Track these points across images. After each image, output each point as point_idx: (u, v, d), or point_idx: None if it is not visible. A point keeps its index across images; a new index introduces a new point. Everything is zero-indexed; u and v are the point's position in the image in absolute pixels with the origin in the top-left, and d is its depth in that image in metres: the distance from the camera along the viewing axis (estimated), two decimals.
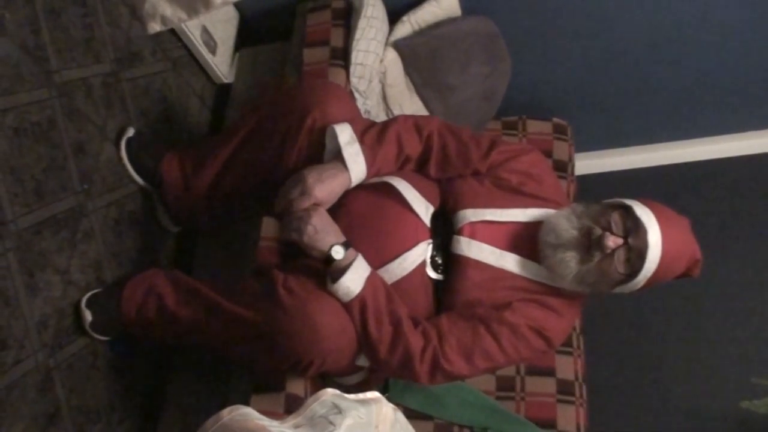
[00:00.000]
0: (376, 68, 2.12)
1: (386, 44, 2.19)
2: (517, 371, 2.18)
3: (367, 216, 1.68)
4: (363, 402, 1.22)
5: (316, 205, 1.62)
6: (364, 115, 2.01)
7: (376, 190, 1.70)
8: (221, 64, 2.35)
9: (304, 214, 1.60)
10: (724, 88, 2.61)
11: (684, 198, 2.73)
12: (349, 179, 1.64)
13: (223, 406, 1.14)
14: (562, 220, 1.63)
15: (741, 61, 2.49)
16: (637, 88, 2.62)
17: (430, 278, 1.68)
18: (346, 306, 1.56)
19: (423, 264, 1.66)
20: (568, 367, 2.19)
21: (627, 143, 2.92)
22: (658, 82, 2.59)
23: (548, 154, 2.47)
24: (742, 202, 2.79)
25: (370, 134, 1.68)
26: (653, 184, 2.83)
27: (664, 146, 2.90)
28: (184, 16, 1.85)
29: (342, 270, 1.55)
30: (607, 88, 2.62)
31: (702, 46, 2.43)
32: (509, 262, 1.67)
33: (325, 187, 1.62)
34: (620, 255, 1.57)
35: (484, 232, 1.68)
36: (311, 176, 1.62)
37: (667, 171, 2.87)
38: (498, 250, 1.67)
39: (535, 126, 2.56)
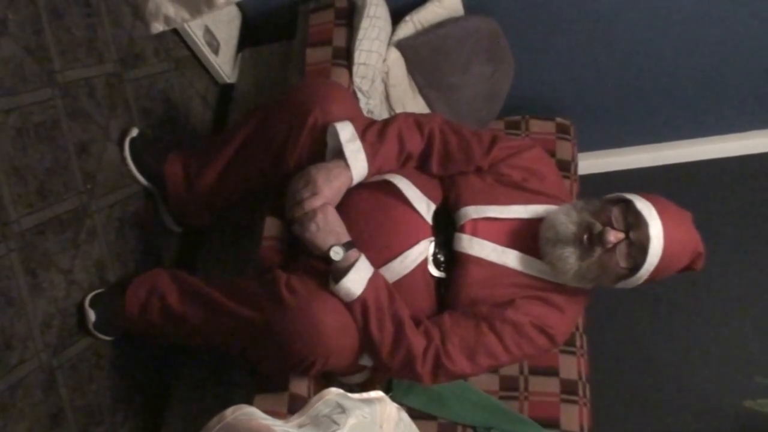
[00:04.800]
0: (379, 68, 2.12)
1: (389, 44, 2.19)
2: (521, 371, 2.18)
3: (368, 214, 1.68)
4: (367, 401, 1.21)
5: (326, 204, 1.62)
6: (367, 115, 2.01)
7: (377, 188, 1.70)
8: (224, 64, 2.36)
9: (311, 211, 1.60)
10: (726, 88, 2.60)
11: (687, 197, 2.68)
12: (351, 177, 1.65)
13: (227, 405, 1.13)
14: (561, 216, 1.63)
15: (743, 60, 2.49)
16: (640, 88, 2.62)
17: (432, 276, 1.68)
18: (348, 307, 1.56)
19: (425, 262, 1.66)
20: (571, 366, 2.19)
21: (630, 143, 2.91)
22: (661, 82, 2.59)
23: (551, 153, 2.47)
24: (745, 201, 2.78)
25: (372, 132, 1.68)
26: (656, 184, 2.83)
27: (667, 146, 2.90)
28: (187, 16, 1.85)
29: (344, 271, 1.55)
30: (610, 87, 2.62)
31: (704, 45, 2.43)
32: (511, 258, 1.67)
33: (333, 186, 1.62)
34: (622, 249, 1.57)
35: (486, 229, 1.68)
36: (320, 176, 1.62)
37: (670, 170, 2.86)
38: (500, 247, 1.67)
39: (538, 125, 2.55)
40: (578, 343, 2.23)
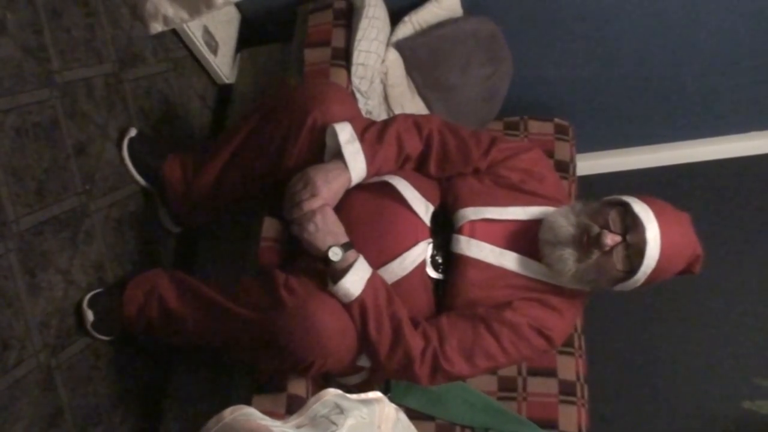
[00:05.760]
0: (377, 69, 2.12)
1: (388, 45, 2.19)
2: (519, 372, 2.18)
3: (367, 216, 1.68)
4: (365, 402, 1.21)
5: (324, 205, 1.62)
6: (366, 116, 2.01)
7: (375, 190, 1.70)
8: (223, 64, 2.36)
9: (309, 212, 1.60)
10: (726, 89, 2.60)
11: (686, 198, 2.70)
12: (350, 178, 1.65)
13: (225, 406, 1.14)
14: (560, 218, 1.63)
15: (742, 61, 2.49)
16: (638, 89, 2.62)
17: (430, 277, 1.68)
18: (346, 308, 1.56)
19: (423, 263, 1.66)
20: (569, 367, 2.19)
21: (629, 144, 2.91)
22: (659, 83, 2.59)
23: (550, 154, 2.47)
24: (743, 202, 2.79)
25: (370, 133, 1.68)
26: (655, 185, 2.83)
27: (666, 147, 2.90)
28: (186, 16, 1.85)
29: (342, 272, 1.55)
30: (608, 88, 2.62)
31: (703, 46, 2.43)
32: (509, 260, 1.67)
33: (332, 188, 1.62)
34: (619, 252, 1.57)
35: (484, 230, 1.68)
36: (319, 178, 1.62)
37: (668, 171, 2.87)
38: (498, 249, 1.67)
39: (536, 126, 2.55)
40: (576, 344, 2.23)
